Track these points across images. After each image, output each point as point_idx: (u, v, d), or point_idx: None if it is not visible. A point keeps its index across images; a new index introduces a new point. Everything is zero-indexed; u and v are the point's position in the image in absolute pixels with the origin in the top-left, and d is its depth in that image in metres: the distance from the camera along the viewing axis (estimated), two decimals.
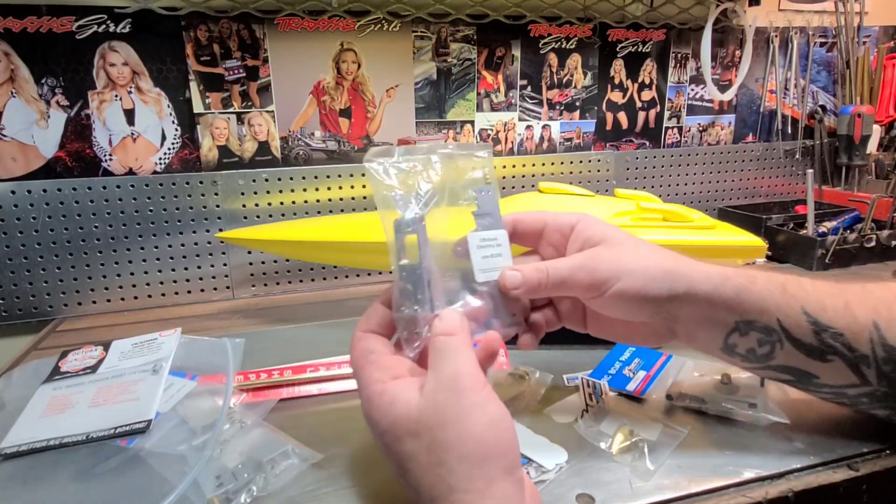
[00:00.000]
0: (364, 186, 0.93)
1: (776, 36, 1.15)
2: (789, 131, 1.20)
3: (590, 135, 1.08)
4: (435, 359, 0.34)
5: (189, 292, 0.88)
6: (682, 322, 0.42)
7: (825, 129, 1.20)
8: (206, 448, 0.45)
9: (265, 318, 0.82)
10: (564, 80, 1.04)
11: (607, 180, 1.08)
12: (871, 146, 1.16)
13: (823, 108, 1.21)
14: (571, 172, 1.06)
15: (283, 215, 0.90)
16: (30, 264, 0.80)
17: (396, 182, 0.38)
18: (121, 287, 0.85)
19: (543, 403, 0.53)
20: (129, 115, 0.83)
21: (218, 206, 0.86)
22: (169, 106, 0.85)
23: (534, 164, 1.03)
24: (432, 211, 0.39)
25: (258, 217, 0.88)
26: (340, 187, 0.92)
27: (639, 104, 1.10)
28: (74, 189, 0.80)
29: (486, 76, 0.99)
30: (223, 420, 0.49)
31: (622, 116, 1.10)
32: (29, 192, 0.79)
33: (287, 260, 0.91)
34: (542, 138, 1.05)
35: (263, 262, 0.90)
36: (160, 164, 0.86)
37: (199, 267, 0.88)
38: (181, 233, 0.86)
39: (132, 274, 0.85)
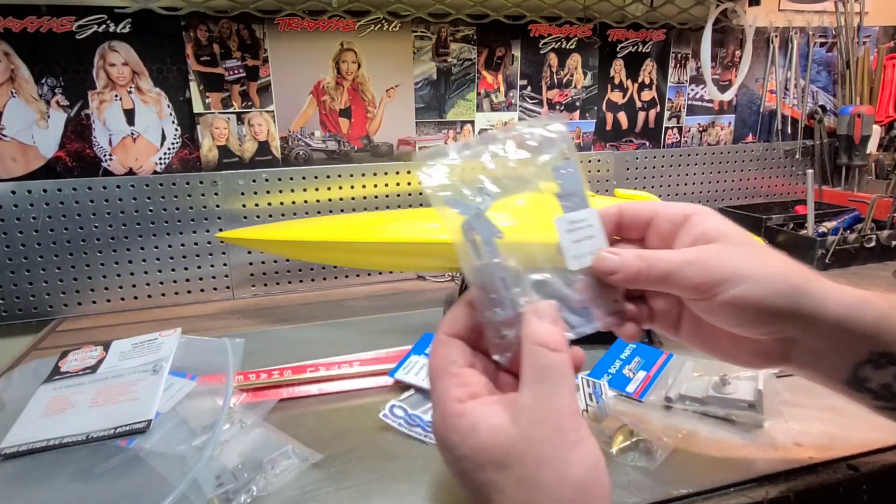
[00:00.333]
0: (364, 186, 0.93)
1: (776, 36, 1.15)
2: (789, 131, 1.20)
3: (590, 135, 1.08)
4: (534, 378, 0.31)
5: (189, 292, 0.88)
6: (801, 345, 0.36)
7: (825, 130, 1.20)
8: (206, 448, 0.45)
9: (265, 318, 0.82)
10: (564, 80, 1.04)
11: (607, 180, 1.08)
12: (871, 146, 1.16)
13: (823, 108, 1.21)
14: None
15: (283, 215, 0.90)
16: (30, 264, 0.80)
17: (451, 181, 0.35)
18: (121, 287, 0.85)
19: None
20: (129, 115, 0.83)
21: (218, 206, 0.86)
22: (169, 106, 0.85)
23: None
24: (503, 201, 0.35)
25: (258, 217, 0.88)
26: (340, 187, 0.92)
27: (639, 104, 1.10)
28: (74, 189, 0.80)
29: (486, 76, 0.99)
30: (223, 420, 0.49)
31: (622, 116, 1.10)
32: (29, 192, 0.79)
33: (287, 260, 0.91)
34: None
35: (263, 262, 0.90)
36: (160, 164, 0.86)
37: (199, 267, 0.88)
38: (181, 233, 0.86)
39: (132, 274, 0.85)
